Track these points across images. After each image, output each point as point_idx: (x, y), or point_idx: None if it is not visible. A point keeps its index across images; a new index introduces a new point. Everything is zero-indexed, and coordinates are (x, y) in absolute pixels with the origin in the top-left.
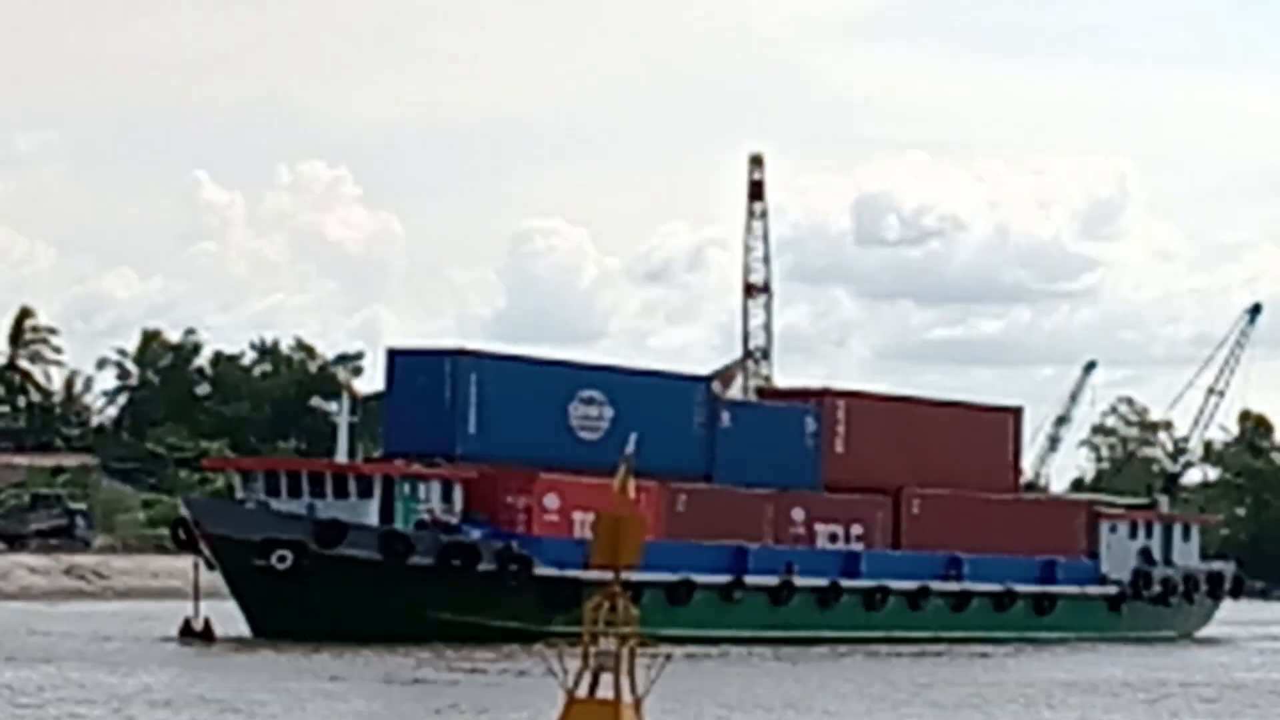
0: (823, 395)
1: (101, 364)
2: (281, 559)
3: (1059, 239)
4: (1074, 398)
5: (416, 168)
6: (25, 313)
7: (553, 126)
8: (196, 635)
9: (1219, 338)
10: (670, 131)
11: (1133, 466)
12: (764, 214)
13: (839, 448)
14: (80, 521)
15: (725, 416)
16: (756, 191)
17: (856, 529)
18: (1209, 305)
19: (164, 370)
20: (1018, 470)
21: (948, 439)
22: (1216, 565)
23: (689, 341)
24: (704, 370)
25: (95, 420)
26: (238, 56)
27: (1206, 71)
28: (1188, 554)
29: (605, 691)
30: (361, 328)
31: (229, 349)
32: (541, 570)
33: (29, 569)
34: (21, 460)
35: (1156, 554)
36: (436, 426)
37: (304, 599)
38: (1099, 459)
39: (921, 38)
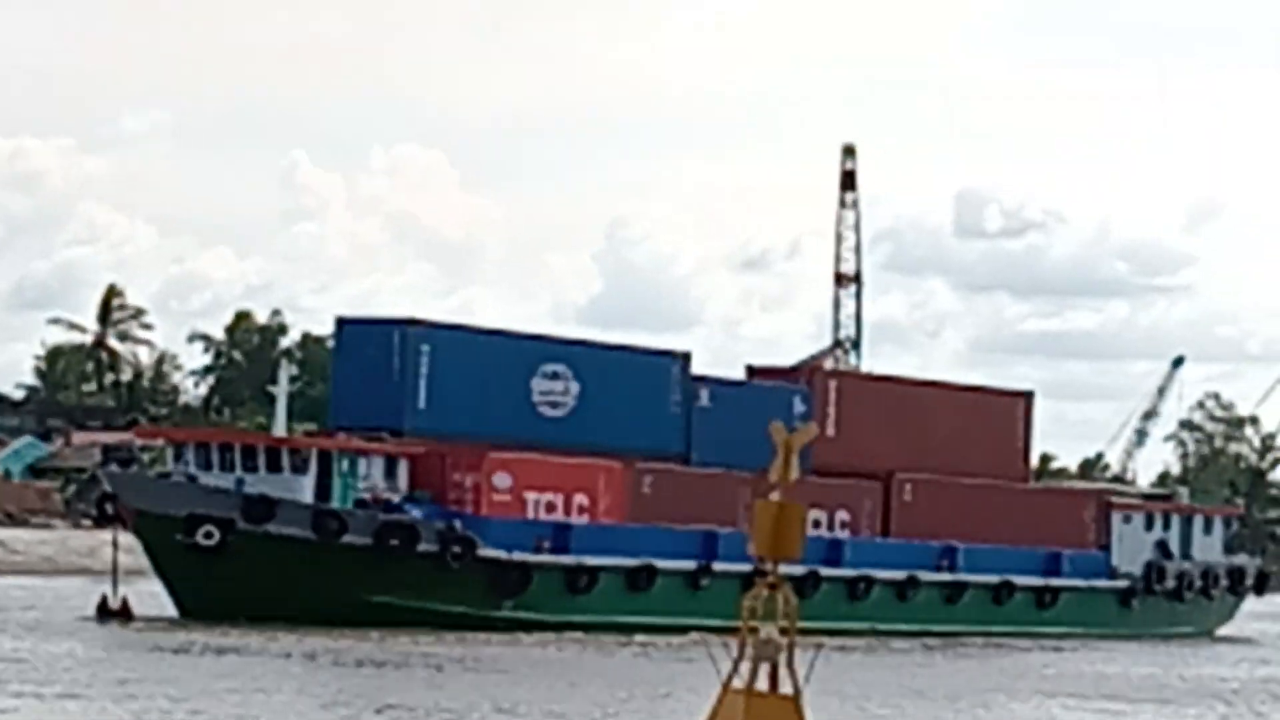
0: (813, 374)
1: (191, 339)
2: (207, 535)
3: (1160, 234)
4: (1162, 392)
5: (514, 152)
6: (113, 291)
7: (654, 112)
8: (113, 614)
9: None
10: (772, 120)
11: (1220, 462)
12: (855, 204)
13: (829, 430)
14: None
15: (704, 395)
16: (849, 182)
17: (842, 515)
18: None
19: (251, 351)
20: (1027, 457)
21: (950, 424)
22: (1239, 560)
23: (782, 330)
24: (793, 359)
25: (183, 400)
26: (338, 40)
27: None
28: (1209, 548)
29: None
30: (458, 311)
31: (316, 330)
32: (487, 552)
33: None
34: (108, 438)
35: (1174, 547)
36: (384, 399)
37: (231, 578)
38: (1185, 454)
39: (1028, 29)
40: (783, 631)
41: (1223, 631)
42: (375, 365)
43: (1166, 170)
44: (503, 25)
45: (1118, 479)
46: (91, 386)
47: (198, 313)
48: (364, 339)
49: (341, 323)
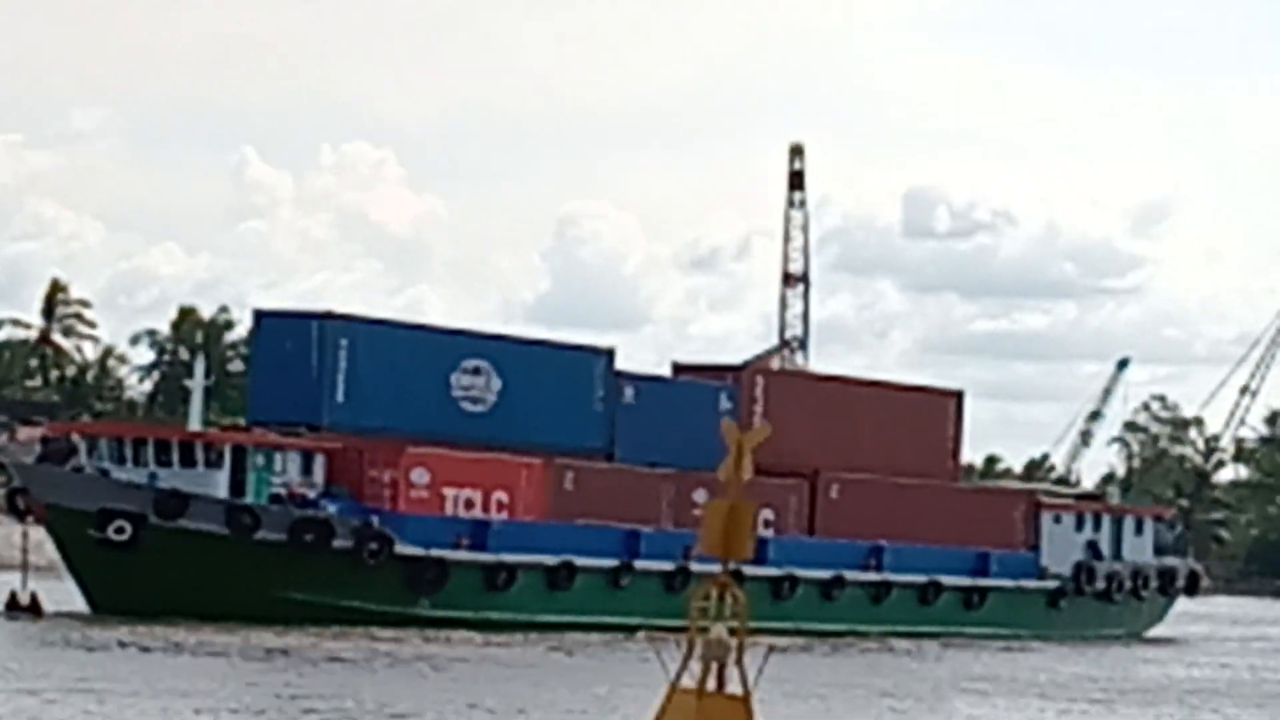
0: (740, 372)
1: (135, 340)
2: (119, 530)
3: (1108, 236)
4: (1107, 394)
5: (462, 150)
6: (57, 286)
7: (602, 111)
8: (23, 609)
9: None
10: (723, 120)
11: (1164, 464)
12: (803, 204)
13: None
14: None
15: (629, 392)
16: (797, 182)
17: (767, 513)
18: (1255, 305)
19: (197, 347)
20: (957, 457)
21: (879, 422)
22: (1170, 561)
23: (730, 330)
24: (740, 359)
25: (128, 395)
26: (287, 38)
27: (1262, 75)
28: (1140, 549)
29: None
30: (406, 308)
31: None
32: (404, 549)
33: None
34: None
35: (1105, 548)
36: (301, 394)
37: (143, 573)
38: (1130, 456)
39: (979, 32)
40: (732, 631)
41: (1153, 633)
42: (293, 359)
43: (1115, 172)
44: (452, 24)
45: (1062, 480)
46: (36, 382)
47: (145, 308)
48: (281, 332)
49: (259, 316)
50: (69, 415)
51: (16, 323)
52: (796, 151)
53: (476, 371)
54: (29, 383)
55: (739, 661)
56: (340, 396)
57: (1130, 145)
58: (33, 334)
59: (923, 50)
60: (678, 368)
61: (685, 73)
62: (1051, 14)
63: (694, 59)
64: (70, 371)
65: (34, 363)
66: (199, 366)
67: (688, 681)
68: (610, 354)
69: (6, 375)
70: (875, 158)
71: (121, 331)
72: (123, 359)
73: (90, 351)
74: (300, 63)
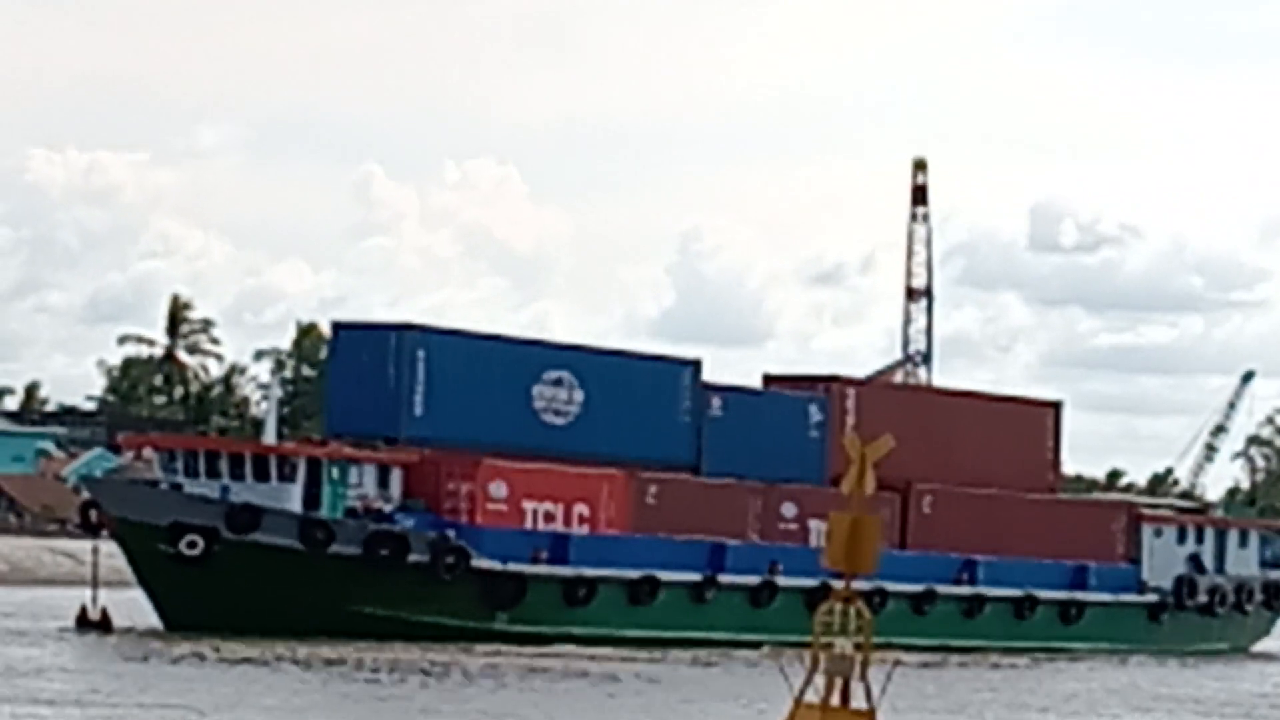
0: (831, 383)
1: (258, 356)
2: (191, 545)
3: (1235, 248)
4: (1232, 408)
5: (585, 165)
6: (179, 303)
7: (725, 125)
8: (93, 625)
9: None
10: (847, 134)
11: None
12: (926, 218)
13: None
14: None
15: (716, 404)
16: (920, 196)
17: None
18: None
19: (320, 364)
20: (1057, 469)
21: (976, 434)
22: (1276, 575)
23: (854, 344)
24: (863, 372)
25: (252, 413)
26: (410, 54)
27: None
28: (1245, 562)
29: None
30: (530, 324)
31: None
32: (481, 563)
33: None
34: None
35: (1208, 562)
36: (379, 406)
37: (215, 588)
38: (1254, 470)
39: (1104, 43)
40: (857, 647)
41: (1259, 648)
42: (371, 371)
43: (1242, 185)
44: (575, 38)
45: (1186, 494)
46: (162, 399)
47: (271, 325)
48: (360, 344)
49: (337, 328)
50: (195, 433)
51: (141, 339)
52: (920, 166)
53: (558, 383)
54: (155, 400)
55: (863, 677)
56: (418, 409)
57: (1257, 157)
58: (158, 351)
59: (1049, 63)
60: (768, 379)
61: (809, 86)
62: (1174, 25)
63: (818, 72)
64: (194, 388)
65: (159, 380)
66: (274, 381)
67: (811, 697)
68: (697, 365)
69: (132, 393)
70: (1000, 171)
71: (248, 349)
72: (251, 375)
73: (215, 368)
74: (423, 80)
